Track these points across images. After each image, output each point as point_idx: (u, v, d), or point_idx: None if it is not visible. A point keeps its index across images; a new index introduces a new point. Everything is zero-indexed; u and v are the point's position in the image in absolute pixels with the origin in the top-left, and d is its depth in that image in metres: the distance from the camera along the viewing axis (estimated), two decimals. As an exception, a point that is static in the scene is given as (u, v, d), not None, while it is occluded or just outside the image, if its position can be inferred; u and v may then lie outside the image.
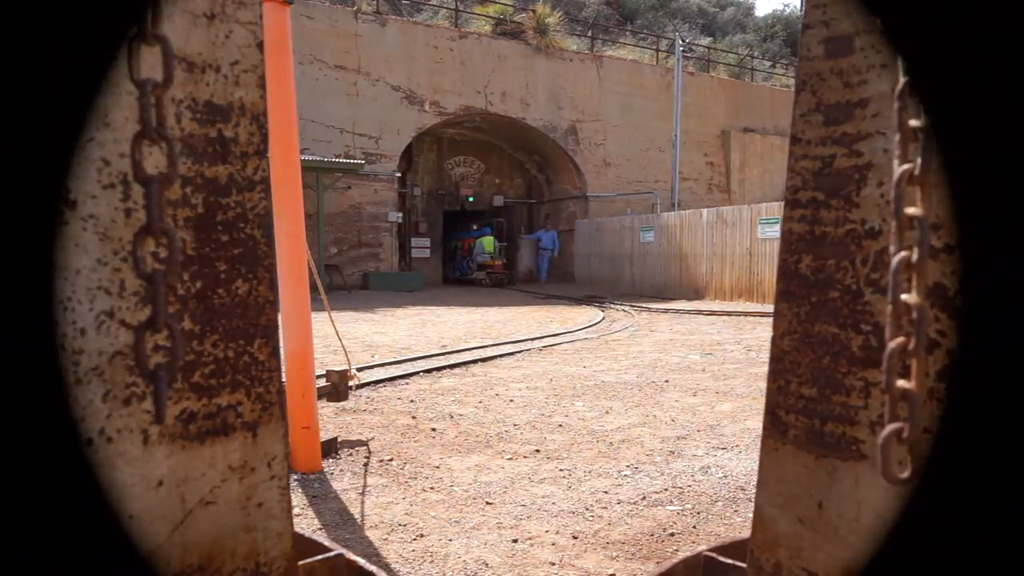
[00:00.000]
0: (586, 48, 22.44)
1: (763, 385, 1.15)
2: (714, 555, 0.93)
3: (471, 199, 21.92)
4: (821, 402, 0.66)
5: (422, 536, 2.57)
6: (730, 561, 0.91)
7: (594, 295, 15.82)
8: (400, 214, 18.69)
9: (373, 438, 3.93)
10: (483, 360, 6.83)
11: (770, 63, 29.17)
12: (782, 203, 0.73)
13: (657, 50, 23.89)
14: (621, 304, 13.75)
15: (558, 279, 20.87)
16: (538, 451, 3.69)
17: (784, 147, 20.55)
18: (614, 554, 2.42)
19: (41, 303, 0.54)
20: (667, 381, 5.69)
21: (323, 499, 3.00)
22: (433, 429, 4.14)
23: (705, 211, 16.11)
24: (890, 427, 0.49)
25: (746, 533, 0.81)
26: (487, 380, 5.80)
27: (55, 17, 0.48)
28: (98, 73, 0.53)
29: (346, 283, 16.70)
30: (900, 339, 0.48)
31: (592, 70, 20.86)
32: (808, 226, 0.67)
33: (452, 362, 6.61)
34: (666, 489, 3.09)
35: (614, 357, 7.13)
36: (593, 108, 20.77)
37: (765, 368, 0.80)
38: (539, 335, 8.87)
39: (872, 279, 0.61)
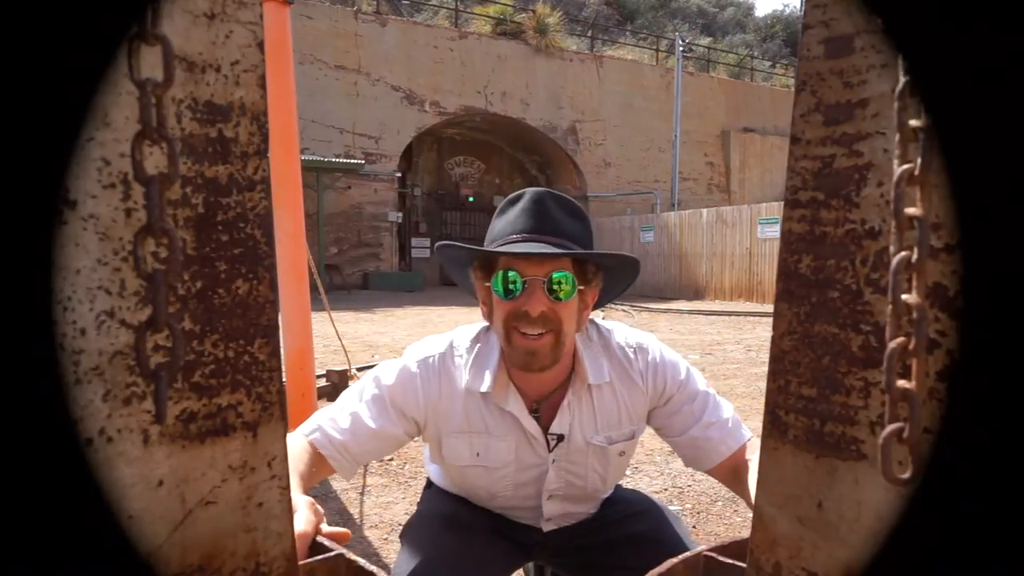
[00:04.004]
0: (586, 48, 22.44)
1: (763, 385, 1.15)
2: (714, 555, 0.93)
3: (471, 199, 21.91)
4: (821, 402, 0.66)
5: (422, 536, 2.57)
6: (730, 561, 0.91)
7: (594, 295, 15.76)
8: (400, 214, 18.68)
9: (373, 438, 3.92)
10: (483, 360, 6.80)
11: (770, 63, 29.16)
12: (782, 203, 0.73)
13: (657, 50, 23.89)
14: (621, 304, 13.74)
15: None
16: (538, 451, 3.68)
17: (784, 147, 20.55)
18: (614, 554, 2.41)
19: (41, 303, 0.54)
20: (667, 381, 5.68)
21: (323, 499, 2.99)
22: (433, 429, 4.13)
23: (705, 211, 16.11)
24: (890, 427, 0.49)
25: (746, 533, 0.81)
26: (487, 380, 5.78)
27: (55, 17, 0.48)
28: (98, 73, 0.53)
29: (346, 283, 16.69)
30: (900, 339, 0.48)
31: (592, 70, 20.86)
32: (808, 226, 0.67)
33: (452, 362, 6.59)
34: (666, 489, 3.09)
35: (614, 357, 7.11)
36: (593, 108, 20.76)
37: (765, 368, 0.80)
38: (539, 335, 8.84)
39: (872, 279, 0.61)
